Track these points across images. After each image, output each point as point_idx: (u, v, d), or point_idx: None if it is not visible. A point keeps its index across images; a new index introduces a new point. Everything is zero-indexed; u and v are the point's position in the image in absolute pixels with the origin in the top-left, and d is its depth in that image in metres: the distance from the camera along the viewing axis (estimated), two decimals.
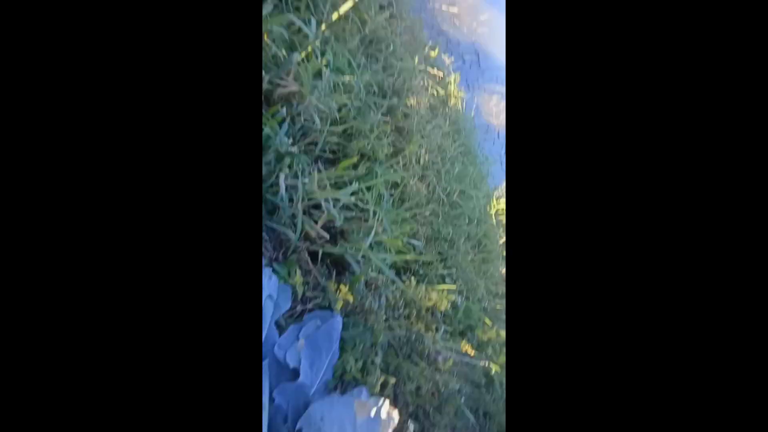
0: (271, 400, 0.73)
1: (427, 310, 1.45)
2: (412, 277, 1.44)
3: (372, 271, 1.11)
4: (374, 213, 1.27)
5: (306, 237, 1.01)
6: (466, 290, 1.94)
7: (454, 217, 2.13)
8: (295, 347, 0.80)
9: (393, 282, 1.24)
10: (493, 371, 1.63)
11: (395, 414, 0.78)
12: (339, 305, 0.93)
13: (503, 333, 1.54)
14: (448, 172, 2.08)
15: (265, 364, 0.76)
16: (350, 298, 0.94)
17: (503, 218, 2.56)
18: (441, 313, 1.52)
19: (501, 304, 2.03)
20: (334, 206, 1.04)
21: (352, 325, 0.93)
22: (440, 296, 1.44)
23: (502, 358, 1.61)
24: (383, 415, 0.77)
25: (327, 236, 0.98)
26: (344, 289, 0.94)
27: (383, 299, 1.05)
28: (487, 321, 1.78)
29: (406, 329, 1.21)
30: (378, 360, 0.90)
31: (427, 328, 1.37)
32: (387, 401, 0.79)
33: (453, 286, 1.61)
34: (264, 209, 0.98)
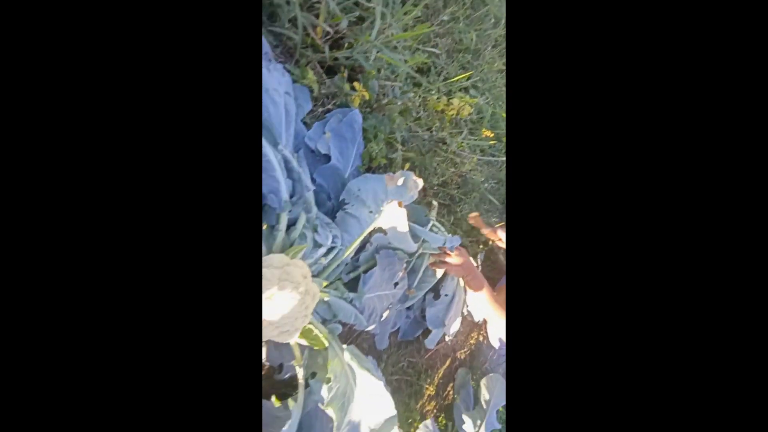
0: (313, 180, 0.87)
1: (450, 119, 1.44)
2: (433, 89, 1.39)
3: (385, 70, 1.08)
4: (382, 15, 1.14)
5: (312, 45, 0.97)
6: (494, 101, 1.87)
7: (478, 20, 1.86)
8: (324, 138, 0.89)
9: (411, 81, 1.21)
10: None
11: (420, 181, 0.89)
12: (356, 102, 0.95)
13: None
14: None
15: (300, 154, 0.86)
16: (366, 94, 0.96)
17: None
18: (464, 120, 1.53)
19: None
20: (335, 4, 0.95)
21: (371, 117, 0.97)
22: (462, 102, 1.41)
23: None
24: (409, 182, 0.89)
25: (331, 31, 0.92)
26: (358, 86, 0.95)
27: (398, 91, 1.06)
28: None
29: (429, 131, 1.26)
30: (399, 145, 0.98)
31: (451, 135, 1.40)
32: (412, 172, 0.90)
33: (474, 100, 1.54)
34: (263, 14, 0.92)
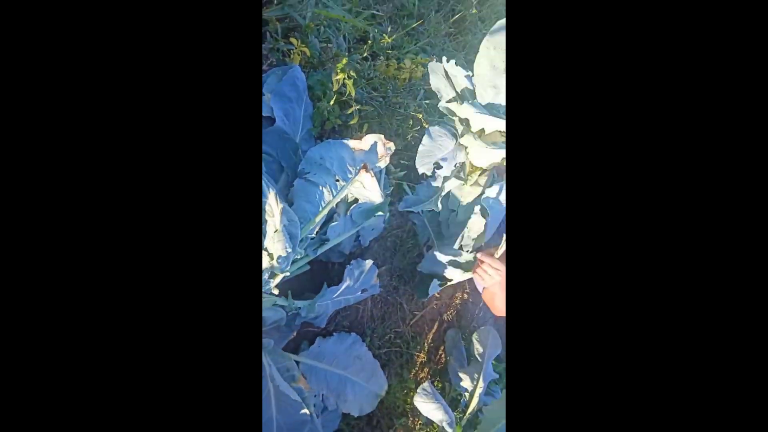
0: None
1: (404, 83, 1.38)
2: (381, 57, 1.31)
3: (326, 28, 1.00)
4: None
5: None
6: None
7: None
8: (264, 100, 0.80)
9: (357, 35, 1.13)
10: None
11: (391, 145, 0.82)
12: (297, 59, 0.87)
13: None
14: None
15: None
16: (306, 51, 0.88)
17: None
18: (419, 80, 1.47)
19: None
20: None
21: (316, 73, 0.89)
22: (414, 64, 1.34)
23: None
24: (379, 147, 0.81)
25: None
26: (296, 41, 0.87)
27: (343, 43, 0.98)
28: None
29: (383, 97, 1.19)
30: (353, 102, 0.91)
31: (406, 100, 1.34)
32: (381, 135, 0.81)
33: (427, 59, 1.48)
34: None
